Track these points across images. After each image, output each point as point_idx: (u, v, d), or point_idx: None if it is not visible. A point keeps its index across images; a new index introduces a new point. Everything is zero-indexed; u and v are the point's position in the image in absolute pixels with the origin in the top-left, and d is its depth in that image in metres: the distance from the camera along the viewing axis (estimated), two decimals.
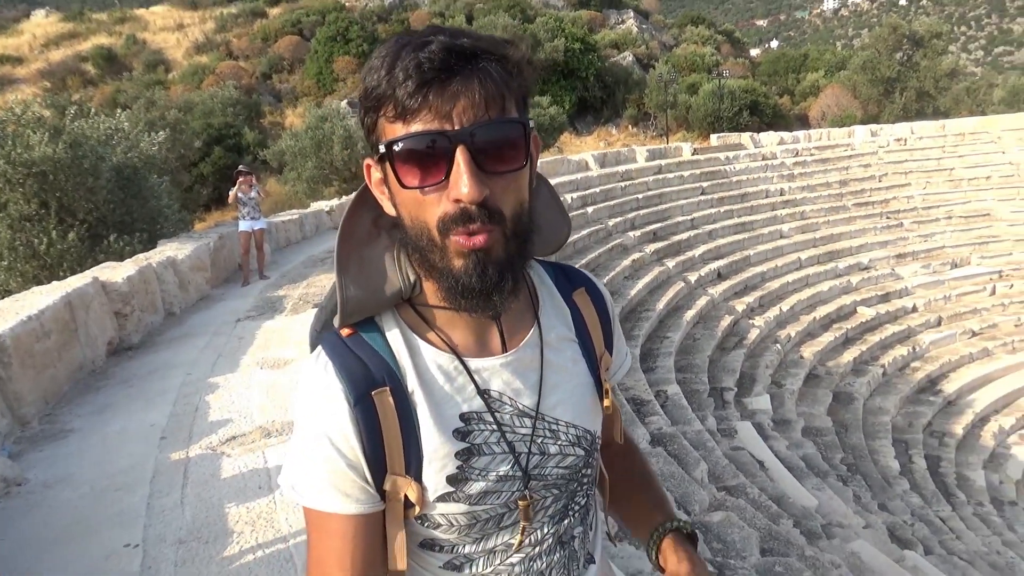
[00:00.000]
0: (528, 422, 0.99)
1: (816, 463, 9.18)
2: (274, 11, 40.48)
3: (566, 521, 1.06)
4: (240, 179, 9.03)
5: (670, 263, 14.02)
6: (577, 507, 1.08)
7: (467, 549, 1.00)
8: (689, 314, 12.49)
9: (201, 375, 4.98)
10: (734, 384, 10.83)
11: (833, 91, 28.36)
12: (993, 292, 16.10)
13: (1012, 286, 16.25)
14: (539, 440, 1.00)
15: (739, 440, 8.77)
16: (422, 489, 0.94)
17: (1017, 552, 8.91)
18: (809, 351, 13.10)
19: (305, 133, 17.41)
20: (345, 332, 0.96)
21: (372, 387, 0.92)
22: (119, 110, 12.65)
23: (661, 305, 12.24)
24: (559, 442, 1.02)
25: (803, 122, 28.43)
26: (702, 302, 13.16)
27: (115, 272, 6.68)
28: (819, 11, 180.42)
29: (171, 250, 7.98)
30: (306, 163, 17.00)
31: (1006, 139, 20.77)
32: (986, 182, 19.49)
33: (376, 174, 0.93)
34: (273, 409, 4.06)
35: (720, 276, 14.64)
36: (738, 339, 12.56)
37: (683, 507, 5.61)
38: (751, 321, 13.25)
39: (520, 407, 0.99)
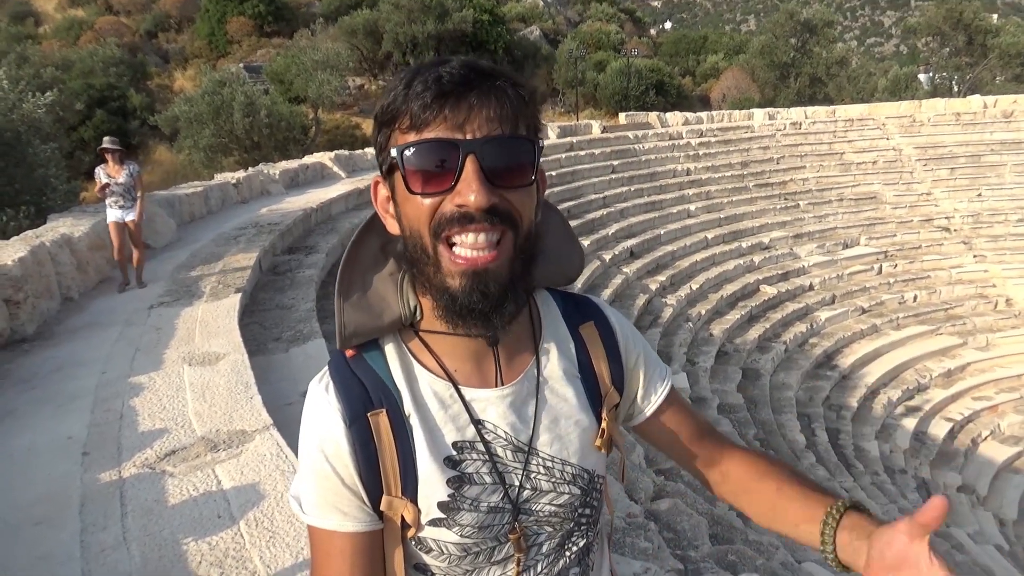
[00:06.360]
0: (521, 456, 0.99)
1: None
2: None
3: (561, 562, 1.05)
4: (108, 156, 7.13)
5: (584, 241, 14.04)
6: (575, 548, 1.06)
7: None
8: (606, 293, 12.58)
9: (119, 374, 4.46)
10: None
11: (733, 74, 29.25)
12: (880, 271, 17.08)
13: (896, 266, 17.29)
14: (531, 475, 0.99)
15: None
16: (417, 511, 0.95)
17: None
18: (718, 328, 13.49)
19: (201, 98, 16.32)
20: (349, 352, 0.98)
21: (368, 409, 0.93)
22: None
23: (579, 284, 12.25)
24: (552, 479, 1.01)
25: (704, 103, 29.20)
26: (617, 281, 13.29)
27: (2, 253, 5.94)
28: None
29: (65, 227, 7.21)
30: (203, 130, 15.95)
31: (890, 126, 22.00)
32: (872, 167, 20.59)
33: (383, 192, 0.95)
34: (213, 416, 3.66)
35: (633, 255, 14.83)
36: (653, 317, 12.77)
37: (629, 494, 5.58)
38: (664, 300, 13.50)
39: (514, 441, 0.98)
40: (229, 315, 5.42)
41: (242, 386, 3.99)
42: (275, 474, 2.97)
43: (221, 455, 3.22)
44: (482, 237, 0.86)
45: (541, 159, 0.92)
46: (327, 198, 11.01)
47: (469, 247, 0.87)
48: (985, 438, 13.21)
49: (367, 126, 25.47)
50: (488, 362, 0.99)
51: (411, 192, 0.87)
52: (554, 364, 1.04)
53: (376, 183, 0.96)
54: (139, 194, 7.24)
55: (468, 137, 0.84)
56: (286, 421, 3.94)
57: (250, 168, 12.96)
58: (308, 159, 14.37)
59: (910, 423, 12.95)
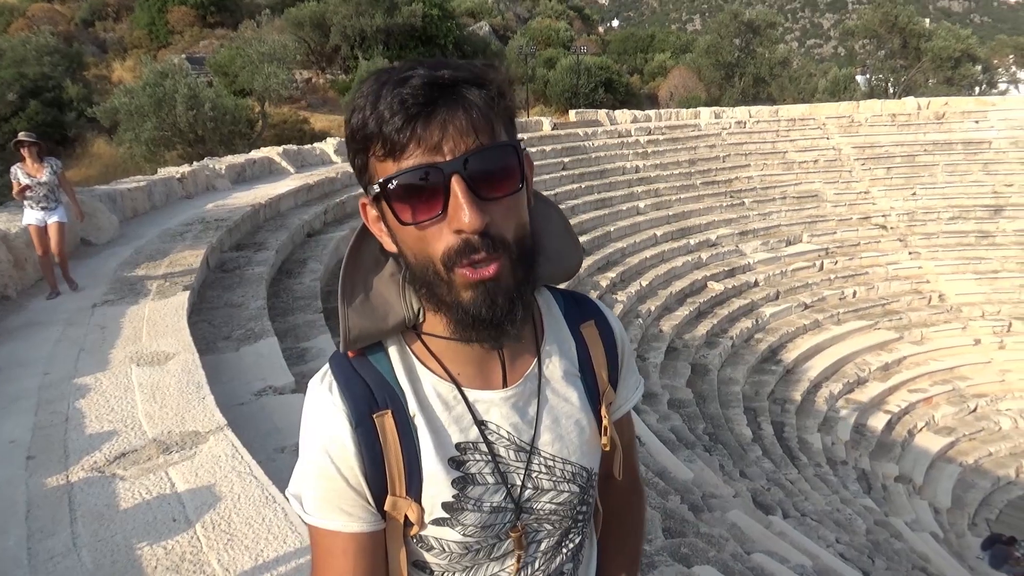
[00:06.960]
0: (523, 456, 1.00)
1: (684, 435, 9.63)
2: None
3: (558, 558, 1.08)
4: (25, 152, 6.37)
5: None
6: (571, 544, 1.09)
7: None
8: None
9: (63, 375, 4.31)
10: None
11: (680, 72, 29.73)
12: (821, 268, 17.61)
13: (837, 262, 17.84)
14: (533, 474, 1.01)
15: None
16: (421, 511, 0.96)
17: (852, 508, 9.86)
18: (668, 325, 13.72)
19: (142, 90, 15.80)
20: (351, 352, 0.98)
21: (373, 409, 0.93)
22: None
23: None
24: (553, 478, 1.02)
25: (652, 101, 29.60)
26: None
27: None
28: None
29: (0, 222, 6.92)
30: (144, 123, 15.45)
31: (830, 126, 22.66)
32: (814, 165, 21.19)
33: (372, 212, 0.93)
34: (164, 417, 3.57)
35: (584, 251, 14.95)
36: None
37: None
38: (615, 296, 13.65)
39: (517, 441, 0.99)
40: (177, 313, 5.29)
41: (193, 386, 3.90)
42: (231, 475, 2.92)
43: (174, 457, 3.15)
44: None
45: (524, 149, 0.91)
46: (276, 194, 10.81)
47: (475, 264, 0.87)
48: (920, 429, 13.76)
49: (315, 120, 25.07)
50: (492, 364, 0.99)
51: (403, 223, 0.87)
52: (555, 364, 1.05)
53: (364, 204, 0.94)
54: (69, 196, 6.68)
55: (447, 157, 0.83)
56: (240, 421, 3.87)
57: (195, 163, 12.65)
58: (255, 154, 14.09)
59: (851, 416, 13.39)
